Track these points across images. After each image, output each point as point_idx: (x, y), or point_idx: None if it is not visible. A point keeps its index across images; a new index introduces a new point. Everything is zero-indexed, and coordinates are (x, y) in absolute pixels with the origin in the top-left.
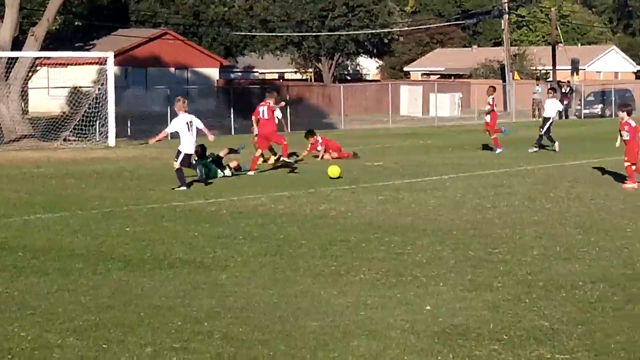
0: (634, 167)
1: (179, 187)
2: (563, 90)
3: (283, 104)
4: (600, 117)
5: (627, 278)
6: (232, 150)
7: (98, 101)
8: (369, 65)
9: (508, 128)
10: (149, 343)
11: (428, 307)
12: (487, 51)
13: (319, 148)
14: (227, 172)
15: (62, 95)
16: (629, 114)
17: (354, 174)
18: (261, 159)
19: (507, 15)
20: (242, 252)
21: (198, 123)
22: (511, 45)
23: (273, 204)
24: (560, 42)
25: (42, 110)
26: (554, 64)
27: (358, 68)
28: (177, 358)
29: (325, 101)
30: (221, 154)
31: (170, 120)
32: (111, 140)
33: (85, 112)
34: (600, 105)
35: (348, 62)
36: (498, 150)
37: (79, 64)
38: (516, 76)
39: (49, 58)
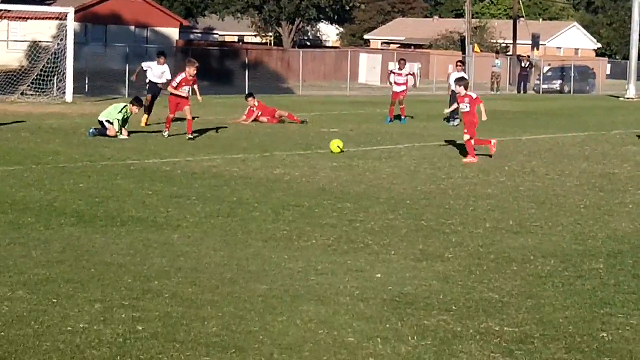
0: (472, 141)
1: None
2: (523, 65)
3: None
4: (559, 93)
5: (578, 254)
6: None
7: (57, 57)
8: (329, 32)
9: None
10: (98, 299)
11: (379, 275)
12: (448, 22)
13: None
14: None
15: (21, 50)
16: (465, 88)
17: (309, 139)
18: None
19: None
20: (195, 213)
21: None
22: (473, 18)
23: (228, 167)
24: (522, 17)
25: (0, 64)
26: (514, 38)
27: (318, 34)
28: (126, 315)
29: (284, 66)
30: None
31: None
32: (69, 96)
33: (43, 67)
34: (560, 82)
35: (308, 28)
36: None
37: (40, 19)
38: (476, 49)
39: (9, 11)
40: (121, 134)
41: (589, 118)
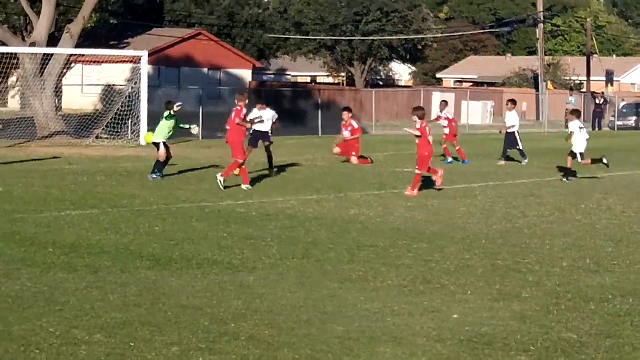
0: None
1: None
2: (597, 101)
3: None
4: (634, 130)
5: None
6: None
7: (131, 99)
8: (401, 71)
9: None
10: (175, 342)
11: (455, 316)
12: (521, 60)
13: (347, 130)
14: None
15: (95, 93)
16: (420, 118)
17: (383, 179)
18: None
19: (542, 25)
20: (271, 255)
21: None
22: (545, 55)
23: (302, 208)
24: (595, 53)
25: (75, 107)
26: (588, 75)
27: (391, 73)
28: (203, 358)
29: (357, 106)
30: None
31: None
32: (142, 139)
33: (118, 110)
34: (635, 118)
35: (381, 68)
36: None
37: (113, 62)
38: (550, 86)
39: (83, 55)
40: (192, 129)
41: None
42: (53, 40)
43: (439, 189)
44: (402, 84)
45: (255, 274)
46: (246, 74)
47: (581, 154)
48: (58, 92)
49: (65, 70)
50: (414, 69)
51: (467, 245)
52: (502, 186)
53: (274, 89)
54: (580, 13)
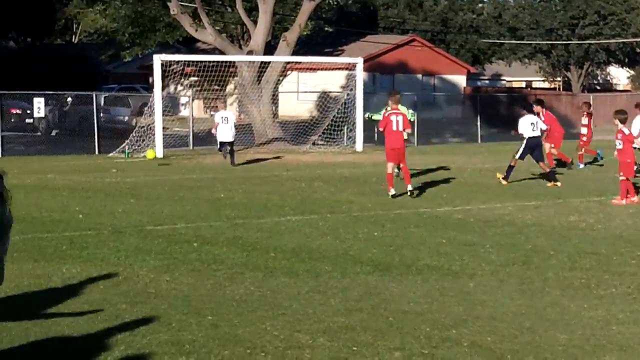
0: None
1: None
2: None
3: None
4: None
5: None
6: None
7: (346, 106)
8: (619, 75)
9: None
10: (397, 347)
11: None
12: None
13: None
14: None
15: (311, 100)
16: (622, 122)
17: (603, 184)
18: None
19: None
20: (490, 261)
21: None
22: None
23: (520, 214)
24: None
25: (291, 114)
26: None
27: (608, 77)
28: None
29: (573, 111)
30: None
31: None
32: (359, 146)
33: (333, 117)
34: None
35: (598, 72)
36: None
37: (328, 69)
38: None
39: (299, 63)
40: None
41: None
42: (269, 48)
43: None
44: (620, 88)
45: (475, 280)
46: (460, 80)
47: None
48: (275, 99)
49: (281, 78)
50: (632, 72)
51: None
52: None
53: (489, 94)
54: None
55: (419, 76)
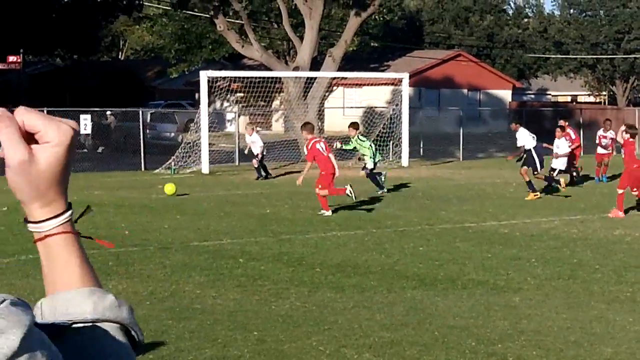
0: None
1: None
2: None
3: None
4: None
5: None
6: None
7: (392, 121)
8: None
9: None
10: None
11: None
12: None
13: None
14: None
15: (356, 115)
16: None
17: None
18: None
19: None
20: (536, 275)
21: None
22: None
23: (566, 228)
24: None
25: (337, 130)
26: None
27: None
28: None
29: (619, 125)
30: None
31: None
32: (404, 160)
33: (379, 132)
34: None
35: None
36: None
37: (374, 85)
38: None
39: (345, 78)
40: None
41: None
42: (315, 63)
43: None
44: None
45: (521, 295)
46: (506, 94)
47: None
48: (320, 114)
49: (327, 93)
50: None
51: None
52: None
53: (534, 108)
54: None
55: (465, 91)
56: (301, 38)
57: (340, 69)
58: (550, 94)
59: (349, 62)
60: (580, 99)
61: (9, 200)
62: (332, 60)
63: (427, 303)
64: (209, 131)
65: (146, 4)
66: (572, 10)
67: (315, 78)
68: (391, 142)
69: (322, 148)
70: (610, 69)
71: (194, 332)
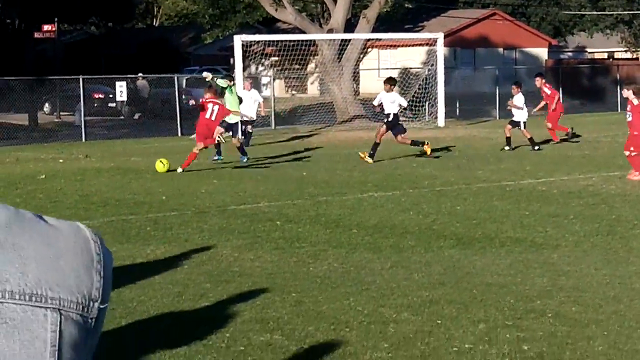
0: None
1: None
2: None
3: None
4: None
5: None
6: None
7: (427, 82)
8: None
9: None
10: (482, 320)
11: None
12: None
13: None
14: None
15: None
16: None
17: None
18: None
19: None
20: (574, 232)
21: None
22: None
23: (604, 184)
24: None
25: (372, 92)
26: None
27: None
28: (510, 335)
29: None
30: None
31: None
32: (440, 121)
33: (415, 92)
34: None
35: None
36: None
37: (409, 46)
38: None
39: (379, 40)
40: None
41: None
42: (349, 25)
43: None
44: None
45: (559, 251)
46: (542, 52)
47: None
48: (355, 77)
49: (362, 55)
50: None
51: None
52: None
53: (570, 66)
54: None
55: (500, 50)
56: (335, 0)
57: (374, 31)
58: (587, 51)
59: (383, 24)
60: (617, 55)
61: (47, 168)
62: (366, 21)
63: (464, 262)
64: None
65: None
66: None
67: (350, 40)
68: (427, 103)
69: None
70: None
71: (232, 295)
